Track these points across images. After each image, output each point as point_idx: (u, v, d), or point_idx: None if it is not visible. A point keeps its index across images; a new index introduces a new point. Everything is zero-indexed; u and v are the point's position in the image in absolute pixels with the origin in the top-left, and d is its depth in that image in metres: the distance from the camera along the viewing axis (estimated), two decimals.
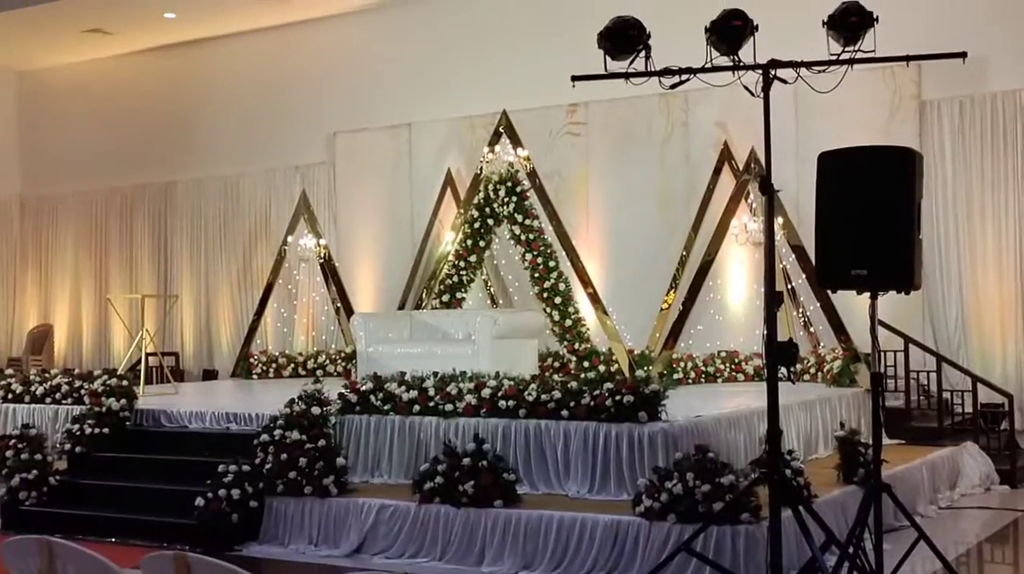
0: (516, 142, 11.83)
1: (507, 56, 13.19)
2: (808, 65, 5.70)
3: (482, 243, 12.05)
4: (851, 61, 5.64)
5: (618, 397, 7.19)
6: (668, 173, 12.31)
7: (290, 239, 13.83)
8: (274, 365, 13.49)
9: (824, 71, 5.68)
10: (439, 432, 7.79)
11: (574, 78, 6.00)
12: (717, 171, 11.77)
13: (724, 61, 5.71)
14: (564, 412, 7.37)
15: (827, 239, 5.58)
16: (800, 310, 11.11)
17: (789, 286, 10.90)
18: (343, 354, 13.18)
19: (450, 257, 12.20)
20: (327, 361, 13.33)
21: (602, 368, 10.88)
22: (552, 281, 11.37)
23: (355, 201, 14.40)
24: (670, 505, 6.22)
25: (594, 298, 11.27)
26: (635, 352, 11.10)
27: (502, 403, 7.63)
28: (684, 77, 5.81)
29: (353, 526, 7.25)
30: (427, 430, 7.86)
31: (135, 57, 16.19)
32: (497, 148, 11.91)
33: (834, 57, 5.63)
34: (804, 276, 10.71)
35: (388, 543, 7.10)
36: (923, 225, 11.09)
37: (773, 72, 5.70)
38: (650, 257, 12.08)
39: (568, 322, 11.30)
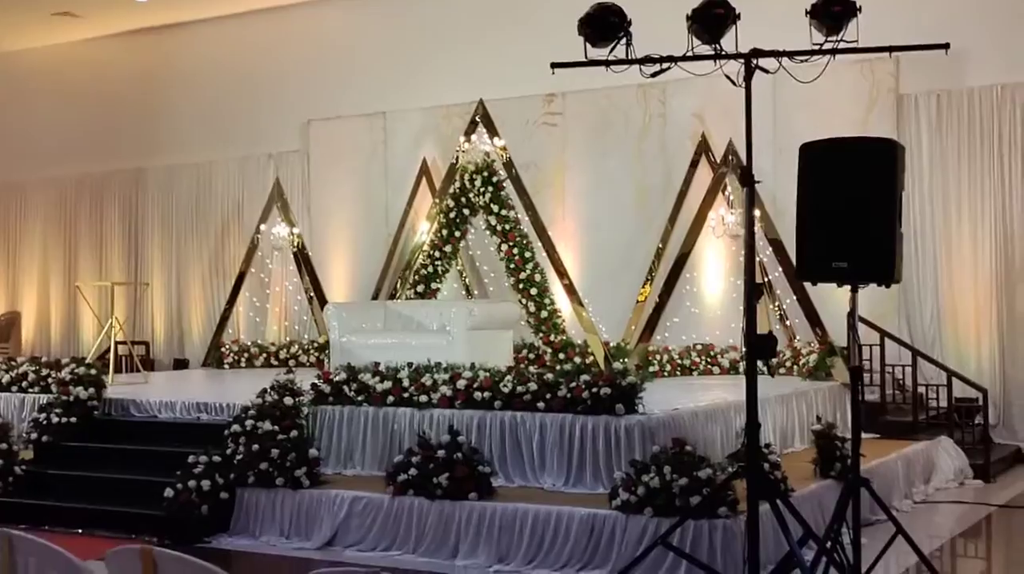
0: (493, 131, 11.73)
1: (484, 44, 13.09)
2: (790, 55, 5.63)
3: (458, 233, 11.96)
4: (834, 51, 5.57)
5: (595, 389, 7.12)
6: (645, 164, 12.27)
7: (263, 227, 13.68)
8: (246, 355, 13.35)
9: (806, 61, 5.62)
10: (413, 424, 7.69)
11: (553, 65, 5.92)
12: (694, 163, 11.74)
13: (706, 50, 5.64)
14: (540, 404, 7.29)
15: (807, 231, 5.51)
16: (776, 303, 11.08)
17: (766, 279, 10.87)
18: (316, 344, 13.07)
19: (425, 247, 12.09)
20: (300, 351, 13.21)
21: (578, 360, 10.81)
22: (528, 272, 11.28)
23: (329, 190, 14.27)
24: (647, 499, 6.15)
25: (570, 289, 11.20)
26: (611, 344, 11.05)
27: (477, 395, 7.54)
28: (665, 66, 5.72)
29: (325, 518, 7.14)
30: (401, 422, 7.77)
31: (105, 41, 15.97)
32: (473, 137, 11.79)
33: (817, 47, 5.57)
34: (781, 269, 10.68)
35: (361, 535, 7.00)
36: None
37: (755, 62, 5.63)
38: (626, 249, 12.04)
39: (544, 313, 11.22)
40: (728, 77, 5.72)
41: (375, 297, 12.89)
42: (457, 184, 11.79)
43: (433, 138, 13.40)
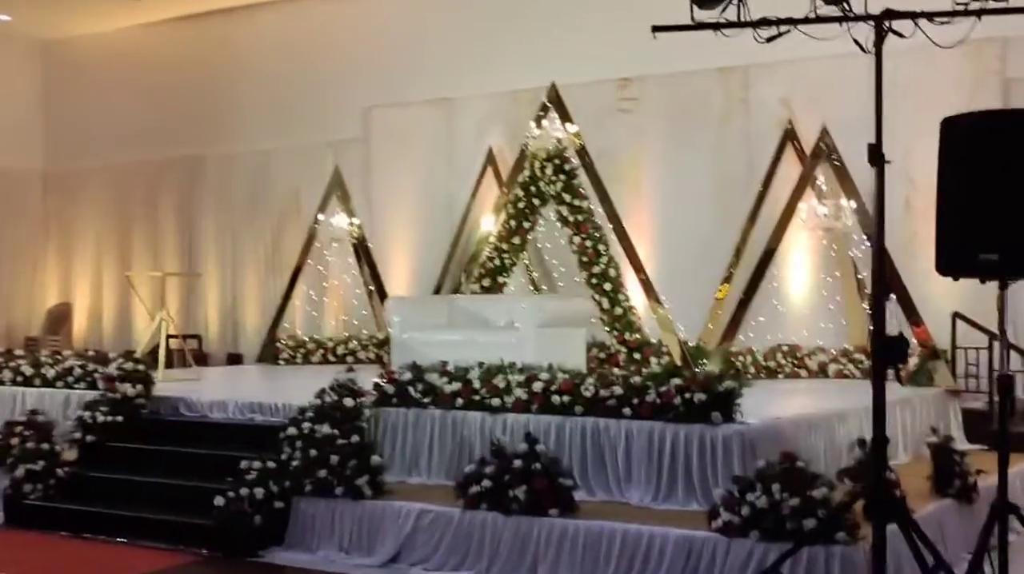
0: (565, 116, 11.03)
1: (554, 26, 12.36)
2: (929, 16, 4.92)
3: (527, 224, 11.28)
4: (980, 12, 4.86)
5: (688, 394, 6.41)
6: (726, 154, 11.49)
7: (321, 218, 13.11)
8: (302, 350, 12.82)
9: (948, 23, 4.90)
10: (484, 429, 7.04)
11: (655, 28, 5.26)
12: (780, 152, 10.97)
13: (831, 11, 4.95)
14: (626, 410, 6.59)
15: (949, 219, 4.77)
16: (868, 303, 10.28)
17: (859, 276, 10.10)
18: (375, 340, 12.50)
19: (492, 239, 11.41)
20: (358, 347, 12.66)
21: (654, 361, 10.11)
22: (601, 266, 10.57)
23: (390, 179, 13.65)
24: (752, 520, 5.43)
25: (646, 285, 10.48)
26: (689, 345, 10.32)
27: (556, 398, 6.86)
28: (784, 29, 5.06)
29: (389, 532, 6.51)
30: (471, 426, 7.11)
31: (164, 26, 15.49)
32: (545, 123, 11.09)
33: (961, 6, 4.84)
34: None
35: (428, 552, 6.34)
36: None
37: (887, 24, 4.92)
38: (704, 243, 11.29)
39: (618, 310, 10.51)
40: (857, 42, 5.02)
41: (437, 291, 12.29)
42: (527, 172, 11.10)
43: (500, 125, 12.72)
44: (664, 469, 6.40)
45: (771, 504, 5.41)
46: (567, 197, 10.76)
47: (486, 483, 6.25)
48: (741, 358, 10.26)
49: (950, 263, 4.86)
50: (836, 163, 10.20)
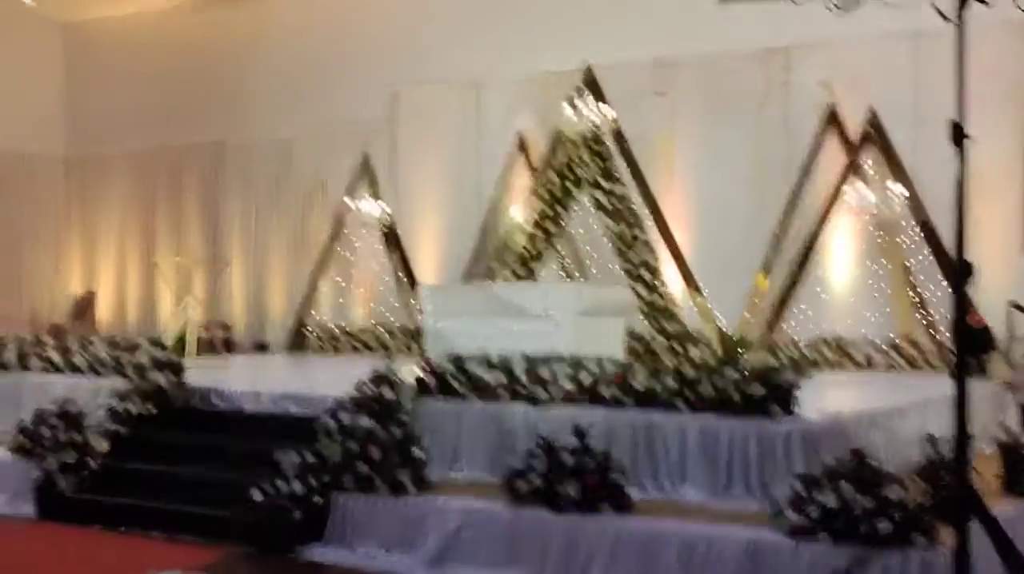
0: (600, 98, 10.74)
1: (586, 5, 12.06)
2: None
3: (562, 210, 11.01)
4: None
5: (745, 387, 6.14)
6: (764, 137, 11.18)
7: (350, 203, 12.86)
8: (332, 340, 12.59)
9: None
10: (529, 422, 6.78)
11: None
12: (821, 136, 10.67)
13: None
14: (680, 403, 6.33)
15: None
16: (915, 291, 9.99)
17: (907, 263, 9.80)
18: (406, 330, 12.28)
19: (526, 225, 11.14)
20: (388, 336, 12.43)
21: (695, 352, 9.86)
22: (639, 254, 10.30)
23: (417, 163, 13.41)
24: (822, 521, 5.16)
25: (685, 274, 10.20)
26: (729, 335, 10.05)
27: (605, 391, 6.60)
28: None
29: (433, 530, 6.25)
30: (515, 419, 6.86)
31: (184, 9, 15.26)
32: (579, 105, 10.80)
33: None
34: (929, 250, 9.56)
35: (474, 552, 6.08)
36: None
37: None
38: (743, 230, 11.01)
39: (657, 299, 10.24)
40: (937, 9, 4.73)
41: (466, 279, 12.04)
42: (561, 157, 10.83)
43: (530, 108, 12.45)
44: (721, 466, 6.14)
45: (842, 504, 5.14)
46: (603, 182, 10.51)
47: (535, 479, 5.99)
48: (785, 349, 9.96)
49: None
50: (885, 148, 9.87)
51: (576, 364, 6.86)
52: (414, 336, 12.36)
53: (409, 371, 7.42)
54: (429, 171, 13.28)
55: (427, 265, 13.05)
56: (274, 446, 6.95)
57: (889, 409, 6.93)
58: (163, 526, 6.91)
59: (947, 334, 9.51)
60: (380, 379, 7.17)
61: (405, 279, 12.41)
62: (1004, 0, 4.64)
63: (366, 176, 12.91)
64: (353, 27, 13.90)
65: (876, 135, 9.91)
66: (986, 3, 4.69)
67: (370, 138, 13.63)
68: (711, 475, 6.16)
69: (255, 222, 14.87)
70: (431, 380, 7.26)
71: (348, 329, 12.68)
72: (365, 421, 6.83)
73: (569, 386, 6.74)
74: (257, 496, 6.57)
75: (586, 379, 6.70)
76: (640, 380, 6.50)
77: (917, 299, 9.97)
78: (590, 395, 6.66)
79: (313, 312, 13.14)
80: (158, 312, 15.38)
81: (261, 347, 14.50)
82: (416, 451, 6.63)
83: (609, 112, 10.68)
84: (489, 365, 7.14)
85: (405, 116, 13.50)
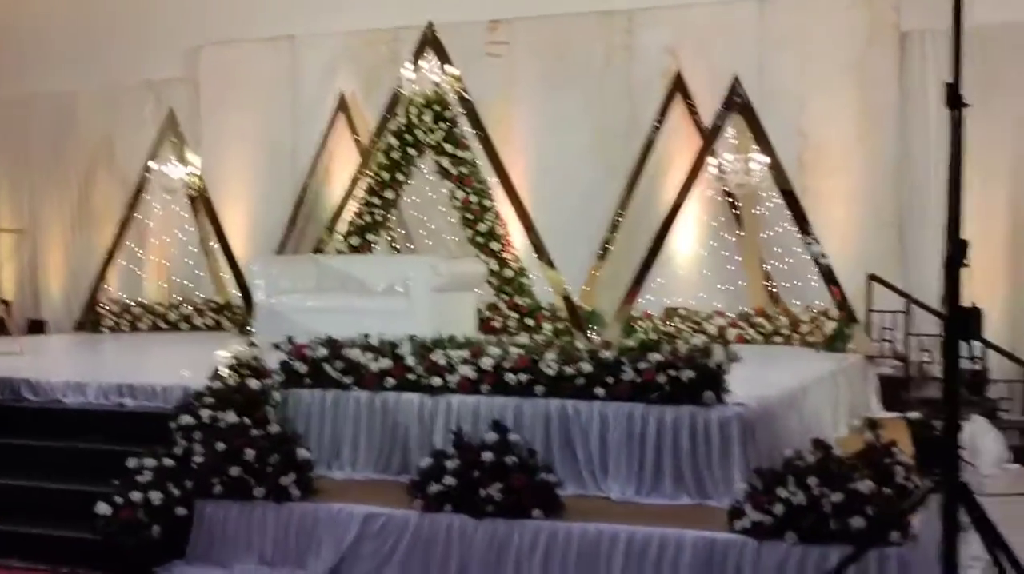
0: (444, 58, 10.01)
1: None
2: None
3: (401, 177, 10.20)
4: None
5: (673, 372, 5.63)
6: (607, 103, 10.71)
7: (153, 166, 11.59)
8: (128, 317, 11.34)
9: None
10: (423, 413, 6.06)
11: None
12: (667, 102, 10.32)
13: None
14: (599, 390, 5.75)
15: None
16: (760, 261, 9.83)
17: (764, 235, 9.61)
18: (214, 305, 11.24)
19: (361, 193, 10.28)
20: (193, 313, 11.31)
21: (547, 326, 9.34)
22: (488, 224, 9.67)
23: (223, 126, 12.20)
24: (788, 520, 4.72)
25: (537, 245, 9.66)
26: (584, 308, 9.60)
27: (510, 377, 5.94)
28: None
29: (326, 540, 5.44)
30: (406, 411, 6.11)
31: None
32: (422, 64, 10.03)
33: None
34: (790, 223, 9.39)
35: (378, 563, 5.32)
36: (910, 170, 9.87)
37: None
38: (585, 199, 10.53)
39: (508, 272, 9.64)
40: None
41: (280, 251, 11.08)
42: (403, 119, 10.02)
43: (352, 68, 11.54)
44: (648, 458, 5.61)
45: (810, 501, 4.71)
46: (448, 148, 9.78)
47: (449, 481, 5.29)
48: (641, 323, 9.58)
49: None
50: (747, 115, 9.60)
51: (475, 348, 6.15)
52: (223, 311, 11.32)
53: (249, 353, 6.50)
54: (237, 134, 12.11)
55: (238, 235, 11.91)
56: (117, 448, 5.96)
57: (799, 388, 6.61)
58: None
59: (809, 307, 9.38)
60: (242, 366, 6.28)
61: (217, 248, 11.27)
62: None
63: (174, 136, 11.66)
64: None
65: (737, 101, 9.61)
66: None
67: (168, 97, 12.33)
68: (637, 468, 5.62)
69: (29, 187, 13.25)
70: (302, 367, 6.39)
71: (147, 305, 11.45)
72: (231, 416, 5.95)
73: (469, 373, 6.03)
74: (104, 510, 5.57)
75: (488, 365, 6.01)
76: (551, 365, 5.87)
77: (764, 267, 9.82)
78: (493, 382, 5.98)
79: (107, 286, 11.81)
80: None
81: (36, 325, 12.98)
82: (301, 452, 5.78)
83: (453, 71, 9.95)
84: (371, 350, 6.33)
85: (208, 73, 12.29)
